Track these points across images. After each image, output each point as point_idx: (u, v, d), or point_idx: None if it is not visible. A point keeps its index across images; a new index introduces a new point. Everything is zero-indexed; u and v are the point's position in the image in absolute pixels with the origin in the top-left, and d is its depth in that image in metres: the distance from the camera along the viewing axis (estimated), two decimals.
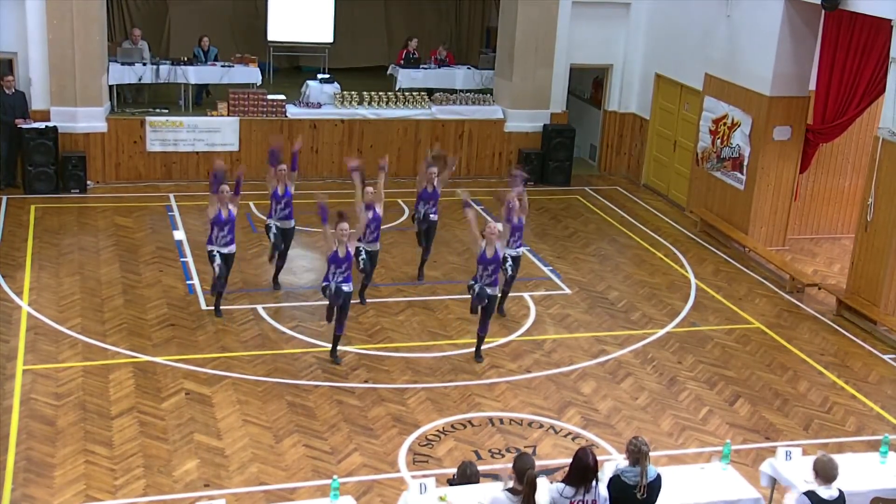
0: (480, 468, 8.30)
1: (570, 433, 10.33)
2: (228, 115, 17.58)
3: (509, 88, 18.85)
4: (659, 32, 18.68)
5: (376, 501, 8.99)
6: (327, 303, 11.22)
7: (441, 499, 7.56)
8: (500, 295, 12.27)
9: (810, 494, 7.37)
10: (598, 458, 7.24)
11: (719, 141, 16.58)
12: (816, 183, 16.57)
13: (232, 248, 12.10)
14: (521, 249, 12.72)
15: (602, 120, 19.94)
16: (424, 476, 8.05)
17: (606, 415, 10.76)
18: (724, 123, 16.40)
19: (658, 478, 7.29)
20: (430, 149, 15.99)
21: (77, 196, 16.44)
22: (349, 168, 12.88)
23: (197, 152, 17.49)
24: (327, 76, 19.24)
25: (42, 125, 16.28)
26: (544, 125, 18.93)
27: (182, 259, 14.15)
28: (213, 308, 12.42)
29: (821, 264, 15.73)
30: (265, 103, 17.71)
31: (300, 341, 11.95)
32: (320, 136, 18.03)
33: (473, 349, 11.78)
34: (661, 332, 12.94)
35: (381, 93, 18.62)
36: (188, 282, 13.39)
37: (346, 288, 11.05)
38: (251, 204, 15.95)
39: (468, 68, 20.24)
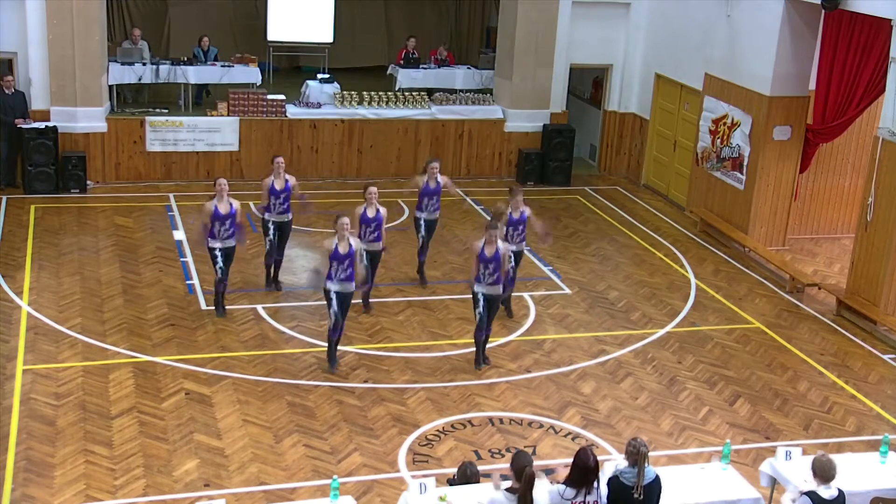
0: (480, 468, 8.31)
1: (570, 433, 10.33)
2: (228, 115, 17.58)
3: (509, 88, 18.84)
4: (659, 32, 18.67)
5: (376, 501, 8.99)
6: (327, 304, 11.16)
7: (441, 499, 7.56)
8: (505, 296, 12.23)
9: (811, 494, 7.38)
10: (599, 458, 7.24)
11: (719, 141, 16.57)
12: (816, 183, 16.56)
13: (233, 242, 12.11)
14: (523, 245, 12.72)
15: (602, 120, 19.93)
16: (424, 476, 8.05)
17: (606, 415, 10.76)
18: (724, 123, 16.40)
19: (657, 479, 7.28)
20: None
21: (77, 196, 16.44)
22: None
23: (197, 152, 17.50)
24: (327, 76, 19.24)
25: (42, 125, 16.28)
26: (544, 125, 18.92)
27: (182, 259, 14.15)
28: (213, 308, 12.42)
29: (821, 264, 15.72)
30: (265, 103, 17.71)
31: (300, 341, 11.94)
32: (320, 135, 18.03)
33: (473, 349, 11.68)
34: (661, 332, 12.93)
35: (381, 93, 18.63)
36: (188, 282, 13.39)
37: (349, 288, 11.01)
38: (251, 204, 15.94)
39: (468, 68, 20.24)
